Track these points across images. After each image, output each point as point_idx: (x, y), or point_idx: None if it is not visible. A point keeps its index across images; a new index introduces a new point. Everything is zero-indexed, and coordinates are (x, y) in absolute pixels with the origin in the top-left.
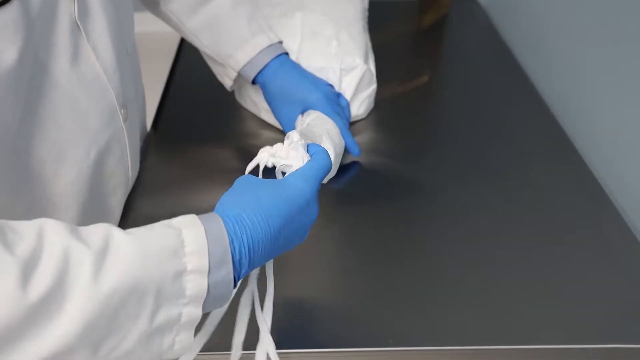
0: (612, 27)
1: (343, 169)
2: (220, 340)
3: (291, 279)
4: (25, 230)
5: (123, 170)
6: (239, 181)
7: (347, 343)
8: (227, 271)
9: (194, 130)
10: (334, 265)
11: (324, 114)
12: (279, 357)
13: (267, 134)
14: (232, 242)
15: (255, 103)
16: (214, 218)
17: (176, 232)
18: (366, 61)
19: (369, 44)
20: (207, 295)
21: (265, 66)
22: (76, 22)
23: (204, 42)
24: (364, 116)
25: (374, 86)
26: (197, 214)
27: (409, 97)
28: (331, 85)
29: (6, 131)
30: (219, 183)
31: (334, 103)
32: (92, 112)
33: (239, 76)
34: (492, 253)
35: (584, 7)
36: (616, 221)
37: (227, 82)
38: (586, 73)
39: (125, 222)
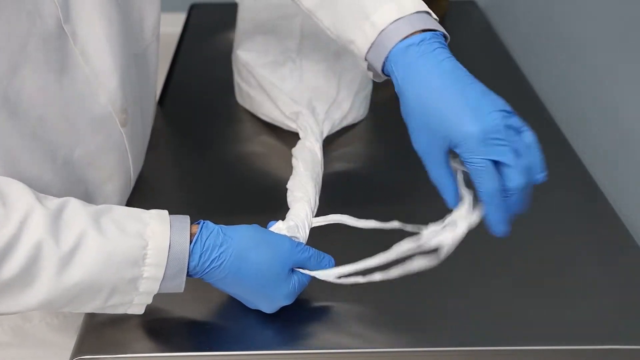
0: (610, 28)
1: (340, 173)
2: (220, 339)
3: None
4: (12, 214)
5: (124, 173)
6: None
7: (343, 344)
8: (180, 281)
9: (192, 129)
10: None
11: (478, 164)
12: (276, 358)
13: (266, 134)
14: (192, 266)
15: (254, 98)
16: (184, 234)
17: (142, 244)
18: None
19: None
20: (158, 291)
21: (392, 51)
22: (62, 26)
23: (324, 22)
24: (363, 116)
25: (370, 85)
26: (192, 213)
27: None
28: (509, 112)
29: None
30: (217, 184)
31: (496, 143)
32: (79, 116)
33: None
34: (488, 254)
35: (582, 9)
36: (613, 222)
37: (369, 74)
38: (584, 74)
39: None
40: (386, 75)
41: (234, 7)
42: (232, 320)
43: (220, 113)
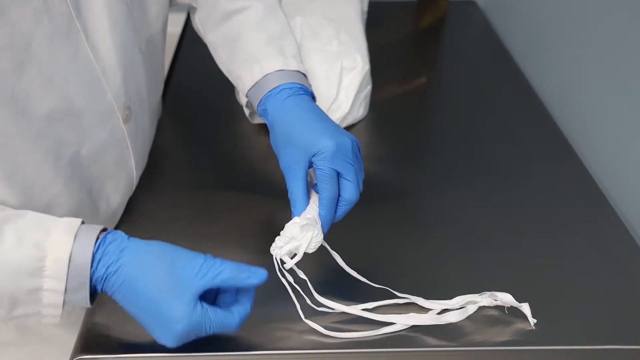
0: (611, 28)
1: None
2: (220, 339)
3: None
4: None
5: (126, 170)
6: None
7: (344, 344)
8: (84, 295)
9: (192, 129)
10: (331, 267)
11: (326, 171)
12: (276, 358)
13: (266, 134)
14: (95, 280)
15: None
16: (88, 246)
17: (39, 256)
18: (367, 61)
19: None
20: (64, 304)
21: (270, 92)
22: (75, 22)
23: (221, 57)
24: (363, 117)
25: (370, 86)
26: (193, 212)
27: (406, 99)
28: (355, 142)
29: None
30: (217, 183)
31: (345, 161)
32: (86, 113)
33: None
34: (490, 255)
35: (582, 9)
36: (614, 222)
37: (246, 111)
38: (584, 74)
39: (128, 218)
40: (259, 115)
41: None
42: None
43: (220, 113)
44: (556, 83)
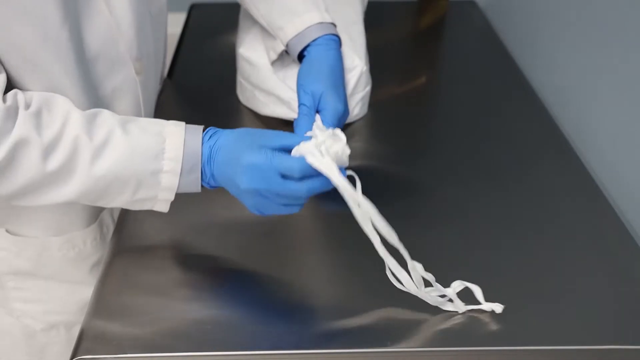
0: (610, 27)
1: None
2: (220, 339)
3: (289, 280)
4: (56, 117)
5: None
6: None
7: (344, 344)
8: (196, 177)
9: None
10: (331, 267)
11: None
12: (276, 358)
13: None
14: (203, 161)
15: (258, 99)
16: (197, 135)
17: (161, 140)
18: (366, 62)
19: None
20: (178, 187)
21: (312, 42)
22: None
23: (260, 11)
24: (359, 117)
25: (369, 87)
26: (193, 211)
27: (406, 99)
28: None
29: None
30: None
31: (342, 121)
32: (100, 58)
33: (284, 52)
34: (489, 255)
35: (582, 8)
36: (614, 222)
37: (272, 56)
38: (584, 74)
39: (130, 217)
40: (297, 57)
41: (234, 7)
42: (232, 320)
43: (220, 113)
44: (556, 82)
